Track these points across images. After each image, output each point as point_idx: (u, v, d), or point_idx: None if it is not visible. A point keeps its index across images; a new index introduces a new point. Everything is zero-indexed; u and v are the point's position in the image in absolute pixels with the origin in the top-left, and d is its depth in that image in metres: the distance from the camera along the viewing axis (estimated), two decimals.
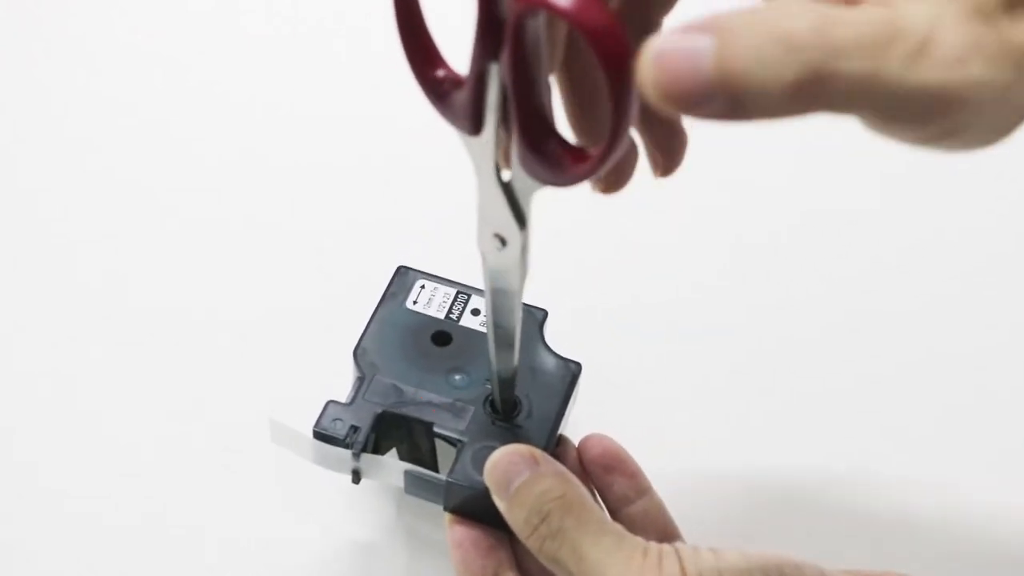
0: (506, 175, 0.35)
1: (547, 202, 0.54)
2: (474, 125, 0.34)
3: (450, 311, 0.46)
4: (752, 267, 0.56)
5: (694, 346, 0.53)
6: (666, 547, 0.38)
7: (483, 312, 0.47)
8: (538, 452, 0.41)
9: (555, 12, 0.28)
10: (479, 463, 0.41)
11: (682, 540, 0.44)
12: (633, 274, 0.55)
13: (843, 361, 0.53)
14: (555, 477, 0.39)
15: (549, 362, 0.45)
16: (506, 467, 0.40)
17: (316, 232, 0.56)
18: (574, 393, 0.45)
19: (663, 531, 0.44)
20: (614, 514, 0.44)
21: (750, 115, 0.26)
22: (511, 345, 0.41)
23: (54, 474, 0.47)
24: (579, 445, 0.45)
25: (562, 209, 0.57)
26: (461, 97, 0.33)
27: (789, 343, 0.53)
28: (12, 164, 0.58)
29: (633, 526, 0.44)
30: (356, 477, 0.43)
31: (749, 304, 0.54)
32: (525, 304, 0.47)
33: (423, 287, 0.47)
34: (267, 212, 0.57)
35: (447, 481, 0.42)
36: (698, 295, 0.55)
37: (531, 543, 0.39)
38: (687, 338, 0.53)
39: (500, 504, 0.40)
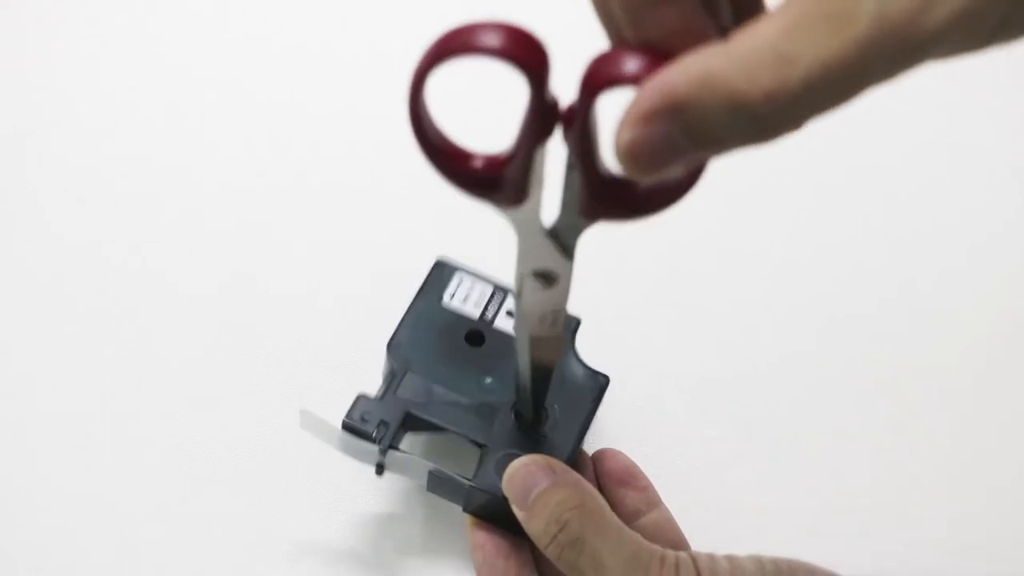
0: (547, 223, 0.36)
1: None
2: (518, 199, 0.35)
3: (485, 310, 0.47)
4: (784, 292, 0.56)
5: (718, 364, 0.53)
6: (683, 555, 0.40)
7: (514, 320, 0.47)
8: (555, 462, 0.42)
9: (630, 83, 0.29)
10: (502, 470, 0.42)
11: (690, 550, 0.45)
12: (666, 291, 0.55)
13: (865, 389, 0.53)
14: (573, 487, 0.41)
15: (578, 372, 0.46)
16: (524, 477, 0.41)
17: (357, 221, 0.56)
18: (600, 405, 0.46)
19: (673, 543, 0.45)
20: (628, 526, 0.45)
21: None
22: (549, 368, 0.42)
23: (83, 469, 0.47)
24: (593, 457, 0.47)
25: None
26: (507, 176, 0.34)
27: (810, 371, 0.54)
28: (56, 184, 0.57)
29: (644, 538, 0.45)
30: (380, 470, 0.44)
31: (778, 329, 0.55)
32: None
33: (460, 282, 0.47)
34: (309, 203, 0.57)
35: (469, 486, 0.43)
36: (725, 316, 0.55)
37: (550, 551, 0.40)
38: (710, 356, 0.53)
39: (519, 514, 0.41)
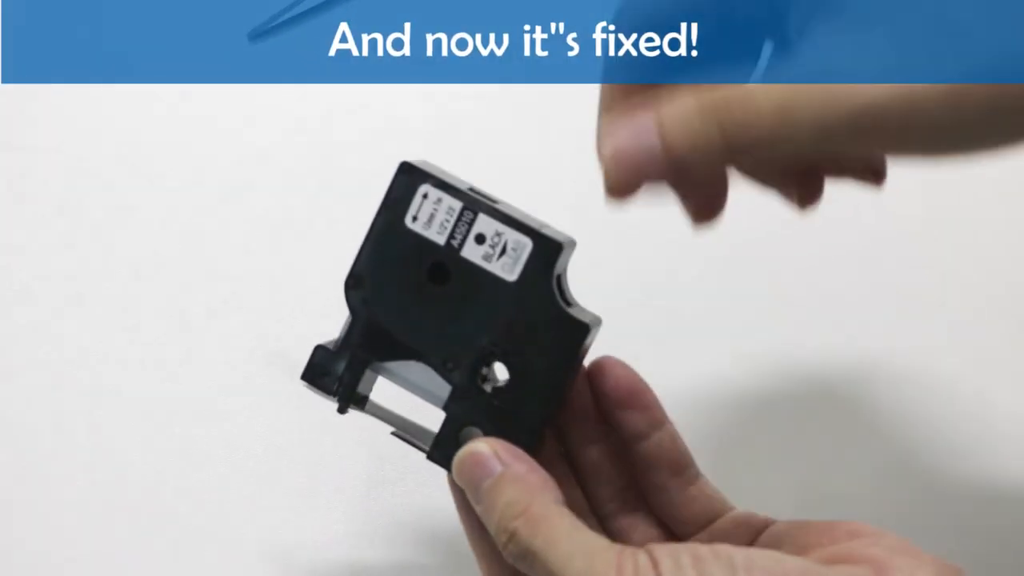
0: None
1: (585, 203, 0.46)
2: None
3: (452, 235, 0.39)
4: (788, 288, 0.53)
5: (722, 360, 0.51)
6: (642, 557, 0.37)
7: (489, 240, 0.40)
8: (503, 447, 0.38)
9: None
10: (458, 446, 0.39)
11: (696, 471, 0.42)
12: (667, 282, 0.53)
13: (870, 382, 0.50)
14: (518, 483, 0.38)
15: (556, 316, 0.39)
16: (472, 468, 0.38)
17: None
18: (584, 355, 0.40)
19: (675, 465, 0.42)
20: (628, 449, 0.42)
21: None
22: None
23: (82, 468, 0.48)
24: (590, 370, 0.41)
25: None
26: None
27: (816, 366, 0.50)
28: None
29: (646, 461, 0.42)
30: (343, 410, 0.41)
31: (785, 326, 0.52)
32: (534, 230, 0.39)
33: (426, 196, 0.39)
34: (315, 197, 0.53)
35: (427, 456, 0.40)
36: (729, 310, 0.52)
37: (505, 556, 0.38)
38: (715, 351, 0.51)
39: (476, 508, 0.39)
